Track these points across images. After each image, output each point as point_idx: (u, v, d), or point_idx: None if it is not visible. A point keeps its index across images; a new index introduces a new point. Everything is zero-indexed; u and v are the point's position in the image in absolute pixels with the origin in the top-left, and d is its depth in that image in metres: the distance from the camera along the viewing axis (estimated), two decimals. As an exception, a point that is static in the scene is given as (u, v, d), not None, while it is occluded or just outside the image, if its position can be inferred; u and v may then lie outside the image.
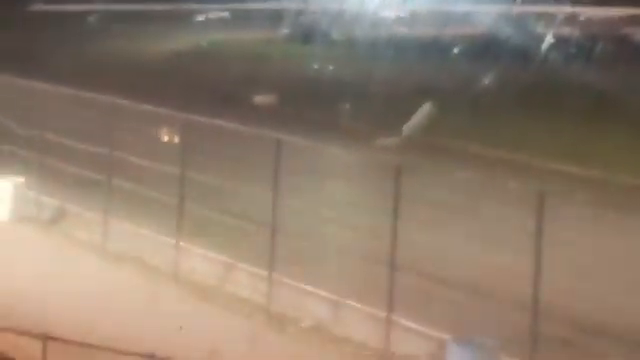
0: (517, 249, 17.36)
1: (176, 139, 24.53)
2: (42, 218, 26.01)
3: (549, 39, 46.00)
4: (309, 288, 19.87)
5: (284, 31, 65.67)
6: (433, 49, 50.11)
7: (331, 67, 49.61)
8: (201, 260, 21.92)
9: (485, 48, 47.50)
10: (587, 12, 62.05)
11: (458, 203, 21.95)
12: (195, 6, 69.80)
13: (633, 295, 17.28)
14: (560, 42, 46.42)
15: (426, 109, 39.18)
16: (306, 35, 64.24)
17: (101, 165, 25.00)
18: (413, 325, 17.98)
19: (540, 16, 55.48)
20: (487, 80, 43.04)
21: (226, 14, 72.50)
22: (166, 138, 25.63)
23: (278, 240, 20.28)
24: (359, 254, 19.77)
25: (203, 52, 61.95)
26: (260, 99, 40.68)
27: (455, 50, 46.47)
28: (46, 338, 15.43)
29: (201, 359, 16.69)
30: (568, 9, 59.12)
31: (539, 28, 47.00)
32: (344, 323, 19.12)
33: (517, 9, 47.12)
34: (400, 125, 36.63)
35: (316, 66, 51.03)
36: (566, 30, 53.87)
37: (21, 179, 26.76)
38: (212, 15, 72.32)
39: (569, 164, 27.71)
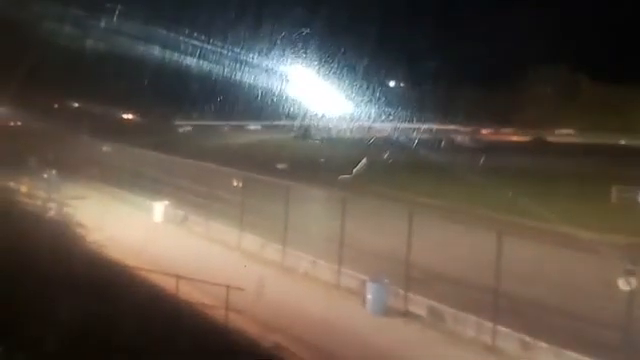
0: (394, 234, 17.83)
1: (240, 184, 25.33)
2: (176, 221, 26.36)
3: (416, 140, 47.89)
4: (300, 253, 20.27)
5: (292, 134, 66.94)
6: (357, 143, 51.59)
7: (314, 151, 50.91)
8: (252, 239, 22.20)
9: (389, 145, 48.66)
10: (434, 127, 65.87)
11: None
12: (244, 122, 70.75)
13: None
14: (422, 142, 48.45)
15: (364, 162, 40.45)
16: (304, 136, 65.62)
17: (205, 196, 25.49)
18: (351, 272, 18.38)
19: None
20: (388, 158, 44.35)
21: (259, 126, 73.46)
22: (235, 183, 26.25)
23: (288, 228, 20.86)
24: (324, 236, 20.18)
25: (254, 144, 62.57)
26: (280, 166, 41.32)
27: (370, 142, 48.14)
28: (178, 277, 15.85)
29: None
30: (424, 126, 62.73)
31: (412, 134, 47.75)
32: (318, 271, 19.50)
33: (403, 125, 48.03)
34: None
35: (308, 151, 52.39)
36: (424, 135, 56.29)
37: (167, 202, 27.17)
38: (254, 126, 73.31)
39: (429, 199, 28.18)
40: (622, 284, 12.14)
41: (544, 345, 13.28)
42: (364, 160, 40.60)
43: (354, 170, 38.78)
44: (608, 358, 12.39)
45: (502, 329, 14.15)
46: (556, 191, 32.41)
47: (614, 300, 12.65)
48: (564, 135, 75.35)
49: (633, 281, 12.03)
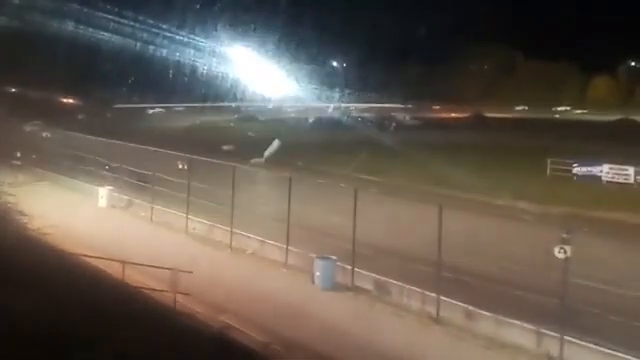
0: (339, 212, 17.95)
1: (185, 167, 24.79)
2: (121, 205, 26.00)
3: (357, 118, 49.19)
4: (249, 234, 20.15)
5: (236, 116, 66.66)
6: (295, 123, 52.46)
7: (257, 132, 50.69)
8: (198, 223, 22.14)
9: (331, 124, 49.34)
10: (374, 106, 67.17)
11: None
12: (194, 103, 69.65)
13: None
14: (362, 119, 49.25)
15: (275, 145, 40.00)
16: (248, 118, 65.63)
17: (148, 179, 25.06)
18: (297, 250, 18.46)
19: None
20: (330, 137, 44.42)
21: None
22: (180, 166, 25.72)
23: (235, 209, 20.55)
24: (271, 216, 20.30)
25: (198, 126, 61.40)
26: (225, 147, 40.59)
27: (309, 121, 48.22)
28: (124, 262, 15.66)
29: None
30: (364, 105, 64.53)
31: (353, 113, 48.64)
32: (266, 251, 19.50)
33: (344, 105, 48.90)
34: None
35: (251, 133, 52.11)
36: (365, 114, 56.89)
37: (111, 187, 26.68)
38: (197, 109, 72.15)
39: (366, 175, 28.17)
40: (557, 252, 12.52)
41: (486, 314, 13.55)
42: (275, 142, 39.82)
43: (265, 153, 38.20)
44: (545, 323, 12.70)
45: (446, 300, 14.39)
46: (494, 165, 33.31)
47: (550, 268, 13.06)
48: (502, 111, 77.17)
49: (568, 249, 12.44)
